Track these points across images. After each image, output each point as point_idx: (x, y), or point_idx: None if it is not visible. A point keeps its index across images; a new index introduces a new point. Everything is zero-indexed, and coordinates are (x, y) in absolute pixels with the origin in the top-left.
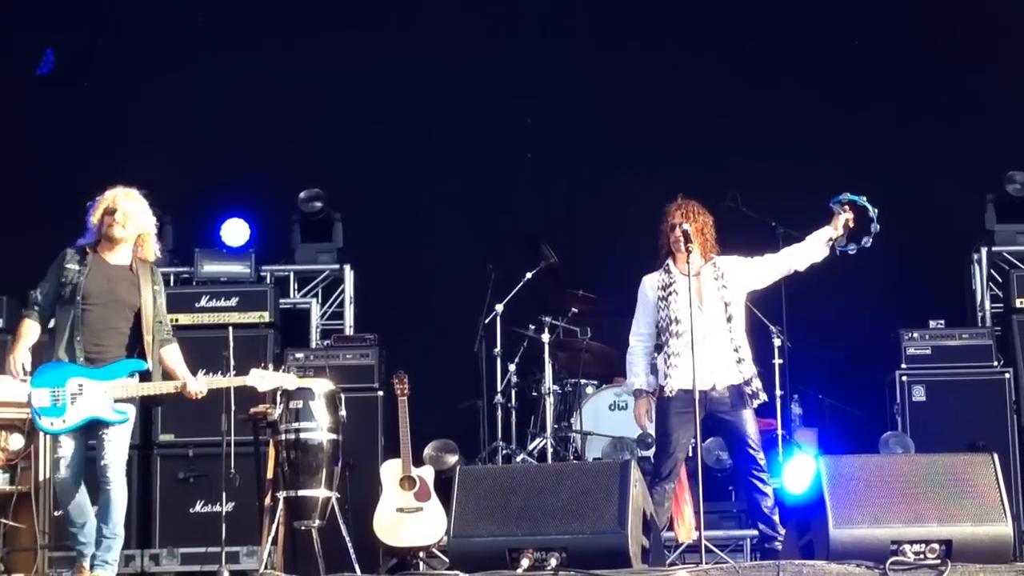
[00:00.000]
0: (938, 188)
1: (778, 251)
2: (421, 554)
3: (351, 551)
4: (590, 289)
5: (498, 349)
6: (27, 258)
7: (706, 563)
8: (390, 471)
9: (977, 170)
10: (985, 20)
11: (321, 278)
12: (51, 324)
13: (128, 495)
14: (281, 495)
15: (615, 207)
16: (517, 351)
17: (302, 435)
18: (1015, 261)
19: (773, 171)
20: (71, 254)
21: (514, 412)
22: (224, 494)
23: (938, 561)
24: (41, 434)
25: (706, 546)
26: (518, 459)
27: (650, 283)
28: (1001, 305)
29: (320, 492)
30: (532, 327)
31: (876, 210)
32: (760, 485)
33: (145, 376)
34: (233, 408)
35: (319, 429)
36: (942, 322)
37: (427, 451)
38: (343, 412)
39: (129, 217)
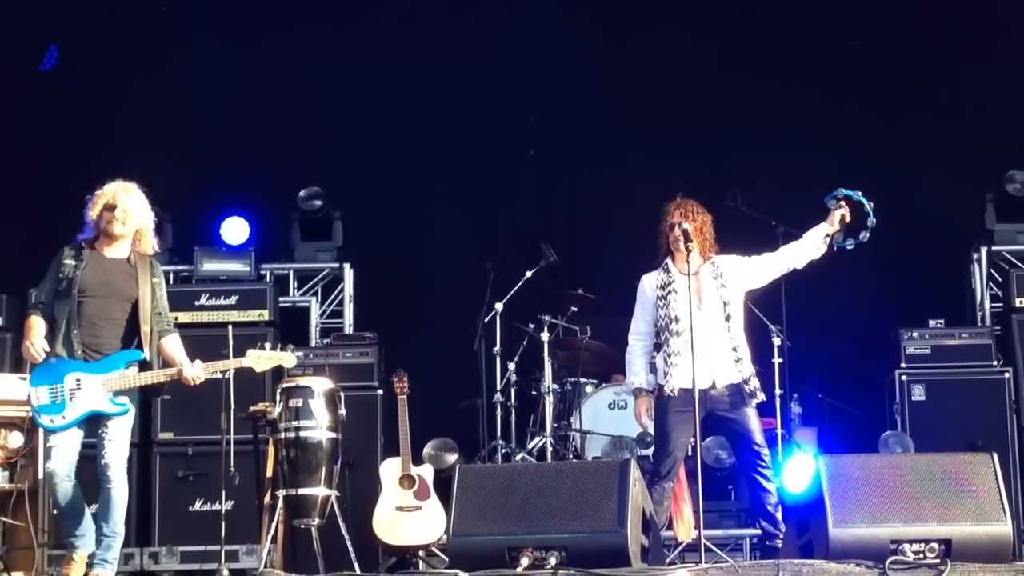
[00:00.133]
0: (938, 187)
1: (777, 250)
2: (420, 553)
3: (350, 550)
4: (589, 288)
5: (498, 348)
6: (26, 256)
7: (705, 562)
8: (389, 470)
9: (977, 169)
10: (985, 19)
11: (321, 277)
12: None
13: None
14: (280, 493)
15: (615, 206)
16: (517, 350)
17: (302, 433)
18: (1015, 260)
19: (773, 170)
20: (68, 251)
21: (514, 411)
22: (223, 492)
23: (937, 560)
24: (40, 432)
25: (705, 545)
26: (518, 458)
27: (649, 282)
28: (1001, 304)
29: (319, 491)
30: (532, 326)
31: (872, 204)
32: (764, 482)
33: (144, 367)
34: (233, 406)
35: (319, 428)
36: (942, 321)
37: (426, 450)
38: (342, 411)
39: (129, 214)
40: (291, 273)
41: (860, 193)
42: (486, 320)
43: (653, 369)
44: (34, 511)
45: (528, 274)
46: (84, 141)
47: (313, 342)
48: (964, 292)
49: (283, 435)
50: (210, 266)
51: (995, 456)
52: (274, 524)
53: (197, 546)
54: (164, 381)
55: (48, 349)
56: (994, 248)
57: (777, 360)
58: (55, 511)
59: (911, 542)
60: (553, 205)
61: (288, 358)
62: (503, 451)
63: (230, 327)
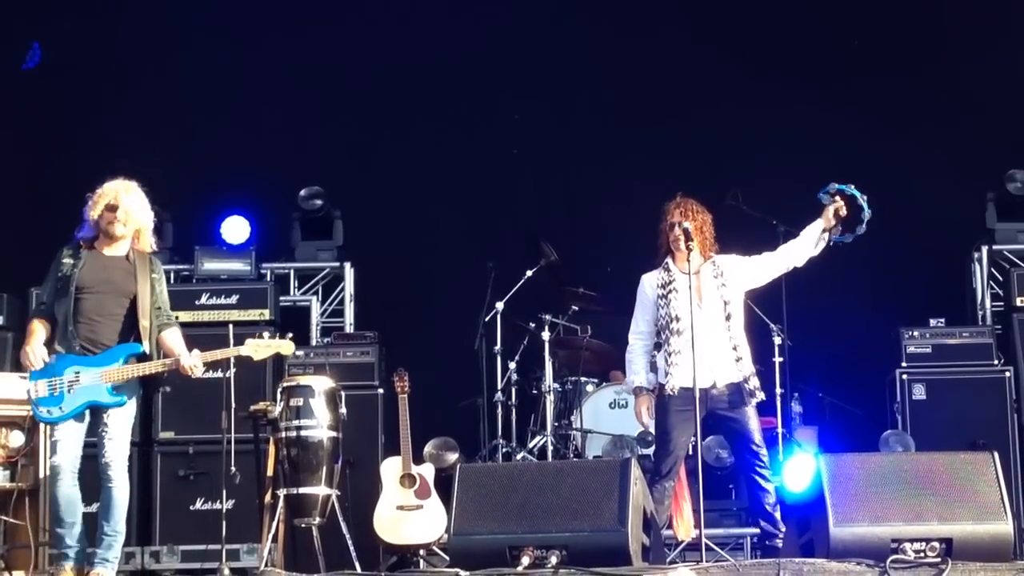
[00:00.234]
0: (939, 187)
1: (776, 249)
2: (421, 552)
3: (351, 549)
4: (590, 288)
5: (498, 347)
6: (27, 256)
7: (706, 561)
8: (390, 469)
9: (977, 169)
10: (985, 18)
11: (321, 276)
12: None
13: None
14: (281, 493)
15: (615, 206)
16: (517, 349)
17: (302, 433)
18: (1015, 259)
19: (774, 169)
20: (66, 250)
21: (514, 410)
22: (224, 491)
23: (938, 559)
24: (42, 430)
25: (706, 544)
26: (518, 457)
27: (649, 281)
28: (1001, 303)
29: (320, 490)
30: (532, 325)
31: (865, 197)
32: (762, 482)
33: (143, 360)
34: (233, 405)
35: (319, 427)
36: (942, 320)
37: (427, 449)
38: (343, 410)
39: (131, 215)
40: (292, 272)
41: (853, 186)
42: (487, 319)
43: (653, 368)
44: (35, 510)
45: (529, 273)
46: (84, 140)
47: (314, 341)
48: (965, 291)
49: (284, 434)
50: (211, 265)
51: (996, 455)
52: (275, 523)
53: (198, 545)
54: (162, 371)
55: (47, 359)
56: (995, 247)
57: (778, 359)
58: (54, 525)
59: (912, 541)
60: (553, 204)
61: (286, 346)
62: (504, 450)
63: (231, 326)
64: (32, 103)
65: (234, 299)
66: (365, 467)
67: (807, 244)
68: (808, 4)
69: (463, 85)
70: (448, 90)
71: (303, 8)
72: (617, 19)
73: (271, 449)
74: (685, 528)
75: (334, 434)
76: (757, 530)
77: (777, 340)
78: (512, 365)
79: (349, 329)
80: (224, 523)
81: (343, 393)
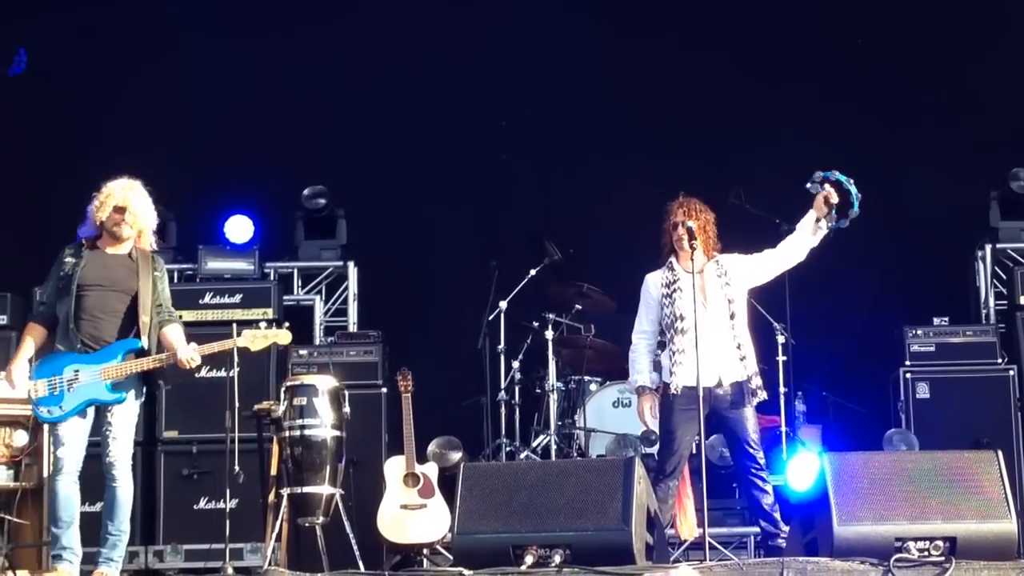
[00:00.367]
0: (942, 185)
1: (777, 246)
2: (425, 551)
3: (355, 548)
4: (592, 284)
5: (502, 346)
6: (29, 255)
7: (710, 560)
8: (394, 468)
9: (981, 167)
10: (987, 16)
11: (325, 275)
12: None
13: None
14: (285, 492)
15: (617, 205)
16: (521, 348)
17: (306, 432)
18: (1019, 258)
19: (775, 169)
20: (68, 250)
21: (518, 409)
22: (228, 491)
23: (942, 558)
24: (46, 429)
25: (710, 543)
26: (522, 456)
27: (653, 281)
28: (1005, 302)
29: (324, 489)
30: (536, 324)
31: (852, 180)
32: (760, 483)
33: (142, 356)
34: (237, 405)
35: (323, 426)
36: (946, 319)
37: (431, 448)
38: (347, 409)
39: (137, 217)
40: (295, 271)
41: (837, 172)
42: (490, 318)
43: (657, 367)
44: (38, 509)
45: (532, 272)
46: (85, 140)
47: (317, 340)
48: (968, 290)
49: (287, 433)
50: (214, 265)
51: (1000, 453)
52: (278, 522)
53: (202, 544)
54: (161, 366)
55: (27, 378)
56: (998, 246)
57: (781, 358)
58: (52, 524)
59: (916, 540)
60: (556, 203)
61: (283, 335)
62: (507, 449)
63: (234, 325)
64: (33, 103)
65: (238, 298)
66: (369, 466)
67: (805, 235)
68: (809, 4)
69: (465, 84)
70: (451, 89)
71: (305, 7)
72: (619, 19)
73: (275, 448)
74: (689, 527)
75: (338, 433)
76: (759, 530)
77: (781, 339)
78: (516, 364)
79: (353, 328)
80: (228, 522)
81: (347, 392)
